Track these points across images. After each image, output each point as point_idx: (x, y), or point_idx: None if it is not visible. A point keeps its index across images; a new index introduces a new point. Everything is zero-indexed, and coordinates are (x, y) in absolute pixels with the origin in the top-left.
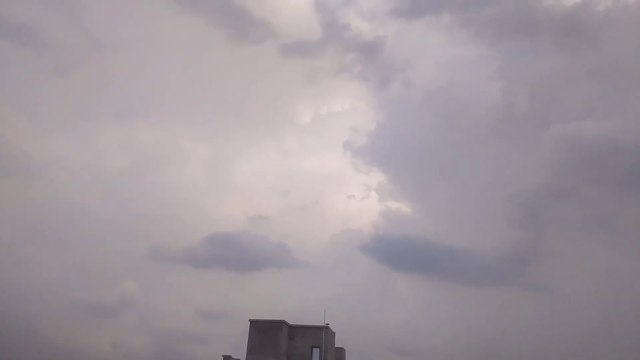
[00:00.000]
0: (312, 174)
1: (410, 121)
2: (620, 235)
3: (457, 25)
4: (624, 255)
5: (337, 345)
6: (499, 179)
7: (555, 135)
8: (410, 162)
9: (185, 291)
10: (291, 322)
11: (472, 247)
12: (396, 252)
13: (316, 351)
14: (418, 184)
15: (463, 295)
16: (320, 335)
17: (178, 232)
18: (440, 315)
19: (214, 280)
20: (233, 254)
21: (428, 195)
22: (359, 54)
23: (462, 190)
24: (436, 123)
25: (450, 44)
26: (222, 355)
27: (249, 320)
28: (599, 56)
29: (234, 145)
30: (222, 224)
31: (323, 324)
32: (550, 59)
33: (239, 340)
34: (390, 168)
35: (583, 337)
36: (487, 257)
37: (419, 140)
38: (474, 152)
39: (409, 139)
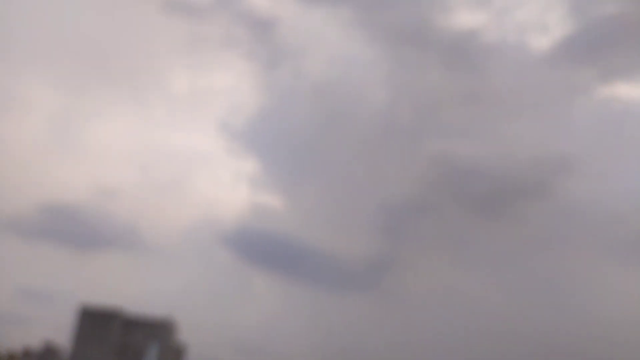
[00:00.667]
0: (179, 150)
1: (295, 111)
2: (466, 255)
3: (356, 22)
4: (466, 273)
5: (179, 341)
6: (373, 185)
7: (429, 152)
8: (288, 153)
9: (5, 264)
10: (129, 311)
11: (337, 251)
12: (259, 248)
13: (153, 346)
14: (293, 179)
15: (322, 299)
16: (160, 329)
17: (4, 194)
18: (297, 319)
19: (43, 255)
20: (70, 228)
21: (301, 192)
22: (251, 30)
23: (335, 192)
24: (320, 118)
25: (346, 40)
26: (44, 340)
27: (80, 304)
28: (478, 82)
29: (90, 101)
30: (61, 192)
31: (165, 317)
32: (435, 76)
33: (65, 325)
34: (266, 157)
35: (427, 346)
36: (350, 262)
37: (300, 133)
38: (352, 155)
39: (291, 130)
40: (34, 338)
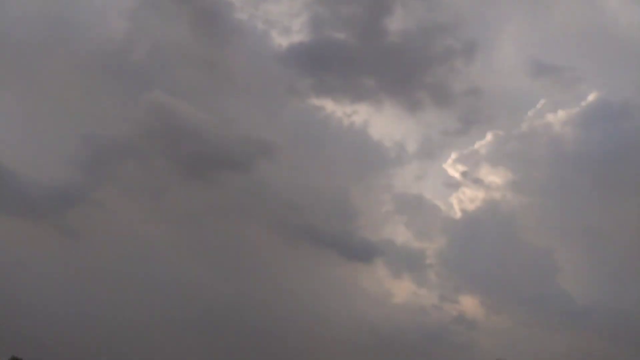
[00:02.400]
0: None
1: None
2: (163, 208)
3: None
4: (159, 226)
5: None
6: (83, 118)
7: (151, 102)
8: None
9: None
10: None
11: (21, 172)
12: None
13: None
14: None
15: None
16: None
17: None
18: None
19: None
20: None
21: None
22: None
23: (40, 114)
24: (45, 29)
25: None
26: None
27: None
28: (219, 55)
29: None
30: None
31: None
32: (180, 34)
33: None
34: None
35: (100, 290)
36: (34, 186)
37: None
38: (71, 83)
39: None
40: None
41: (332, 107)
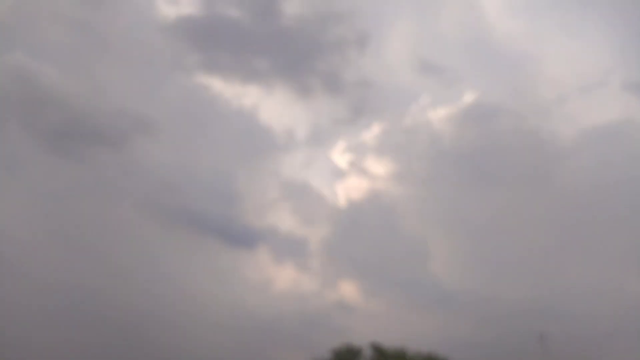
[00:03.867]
0: None
1: None
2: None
3: None
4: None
5: None
6: None
7: (11, 62)
8: None
9: None
10: None
11: None
12: None
13: None
14: None
15: None
16: None
17: None
18: None
19: None
20: None
21: None
22: None
23: None
24: None
25: None
26: None
27: None
28: (105, 27)
29: None
30: None
31: None
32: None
33: None
34: None
35: None
36: None
37: None
38: None
39: None
40: None
41: (221, 87)
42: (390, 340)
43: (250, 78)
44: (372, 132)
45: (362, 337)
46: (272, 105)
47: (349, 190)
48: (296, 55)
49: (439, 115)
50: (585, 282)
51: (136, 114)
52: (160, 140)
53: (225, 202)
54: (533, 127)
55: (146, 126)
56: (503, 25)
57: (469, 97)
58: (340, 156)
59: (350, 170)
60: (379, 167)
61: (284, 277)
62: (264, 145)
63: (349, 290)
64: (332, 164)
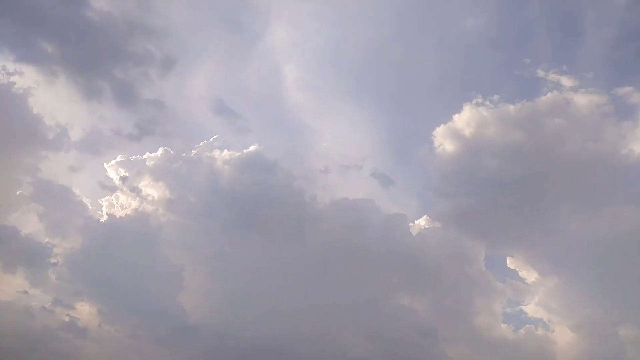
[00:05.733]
0: None
1: None
2: None
3: None
4: None
5: None
6: None
7: None
8: None
9: None
10: None
11: None
12: None
13: None
14: None
15: None
16: None
17: None
18: None
19: None
20: None
21: None
22: None
23: None
24: None
25: None
26: None
27: None
28: None
29: None
30: None
31: None
32: None
33: None
34: None
35: None
36: None
37: None
38: None
39: None
40: None
41: None
42: None
43: (30, 58)
44: (154, 155)
45: None
46: (49, 96)
47: (114, 206)
48: (93, 52)
49: (223, 156)
50: (314, 329)
51: None
52: None
53: None
54: (300, 188)
55: None
56: (295, 94)
57: (253, 148)
58: (114, 170)
59: (122, 186)
60: (152, 190)
61: (11, 287)
62: (27, 135)
63: (86, 311)
64: (104, 176)
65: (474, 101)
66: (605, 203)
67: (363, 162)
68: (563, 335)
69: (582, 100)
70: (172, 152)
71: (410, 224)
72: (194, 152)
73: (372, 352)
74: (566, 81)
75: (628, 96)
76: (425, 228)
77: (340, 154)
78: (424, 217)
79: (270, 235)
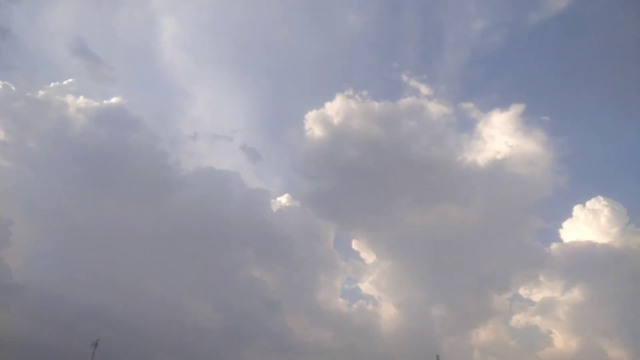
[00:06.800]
0: None
1: None
2: None
3: None
4: None
5: None
6: None
7: None
8: None
9: None
10: None
11: None
12: None
13: None
14: None
15: None
16: None
17: None
18: None
19: None
20: None
21: None
22: None
23: None
24: None
25: None
26: None
27: None
28: None
29: None
30: None
31: None
32: None
33: None
34: None
35: None
36: None
37: None
38: None
39: None
40: None
41: None
42: None
43: None
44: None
45: None
46: None
47: None
48: None
49: (78, 103)
50: (162, 297)
51: None
52: None
53: None
54: (164, 151)
55: None
56: (171, 51)
57: (115, 100)
58: None
59: None
60: None
61: None
62: None
63: None
64: None
65: (345, 92)
66: (437, 201)
67: (234, 135)
68: (388, 311)
69: (434, 108)
70: (13, 88)
71: (272, 200)
72: (41, 92)
73: (217, 323)
74: (424, 89)
75: (469, 111)
76: (285, 206)
77: (212, 123)
78: (286, 195)
79: (124, 196)
